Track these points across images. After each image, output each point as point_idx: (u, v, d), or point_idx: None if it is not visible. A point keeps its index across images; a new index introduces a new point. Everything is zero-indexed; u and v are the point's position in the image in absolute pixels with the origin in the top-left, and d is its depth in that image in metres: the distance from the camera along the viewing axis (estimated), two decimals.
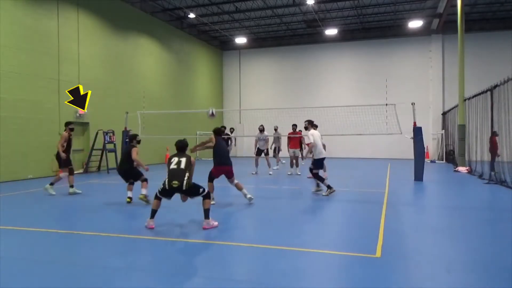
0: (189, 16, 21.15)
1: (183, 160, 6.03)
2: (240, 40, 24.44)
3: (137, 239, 5.51)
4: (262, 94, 27.03)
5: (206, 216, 6.04)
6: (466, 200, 9.26)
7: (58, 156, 9.57)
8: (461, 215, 7.34)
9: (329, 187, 9.17)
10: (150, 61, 20.25)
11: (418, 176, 12.11)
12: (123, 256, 4.79)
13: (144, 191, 8.18)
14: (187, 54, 23.71)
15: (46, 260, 4.61)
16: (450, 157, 19.96)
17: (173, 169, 5.94)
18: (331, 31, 22.80)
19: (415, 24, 21.25)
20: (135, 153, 8.27)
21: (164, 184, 5.93)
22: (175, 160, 6.06)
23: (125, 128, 14.86)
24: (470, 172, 14.40)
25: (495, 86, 11.55)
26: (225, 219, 7.21)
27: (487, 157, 13.02)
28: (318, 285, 3.87)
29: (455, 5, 16.99)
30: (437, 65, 23.62)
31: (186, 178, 5.89)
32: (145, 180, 8.36)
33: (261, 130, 14.54)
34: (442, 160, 21.61)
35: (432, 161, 21.35)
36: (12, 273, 4.15)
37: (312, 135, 9.11)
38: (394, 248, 4.99)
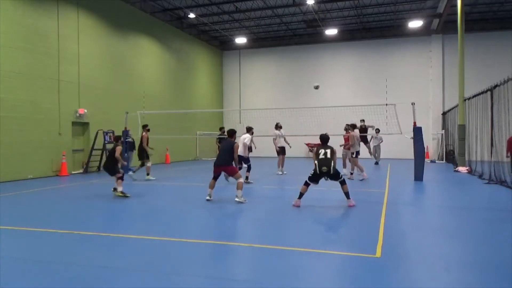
0: (189, 16, 21.13)
1: (328, 151, 7.68)
2: (240, 40, 24.42)
3: (137, 239, 5.50)
4: (262, 94, 27.00)
5: (347, 196, 7.76)
6: (466, 200, 9.25)
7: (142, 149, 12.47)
8: (461, 215, 7.34)
9: None
10: (150, 61, 20.24)
11: (418, 176, 12.10)
12: (123, 256, 4.78)
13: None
14: (187, 54, 23.69)
15: (46, 260, 4.61)
16: (450, 157, 19.94)
17: (322, 159, 7.62)
18: (331, 31, 22.78)
19: (415, 24, 21.23)
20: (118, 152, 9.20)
21: (314, 170, 7.62)
22: (322, 151, 7.69)
23: (125, 128, 14.86)
24: (470, 172, 14.39)
25: (495, 86, 11.54)
26: (225, 219, 7.21)
27: (487, 157, 12.99)
28: (318, 285, 3.87)
29: (455, 5, 16.97)
30: (437, 65, 23.60)
31: (332, 164, 7.57)
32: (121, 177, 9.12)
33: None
34: (442, 160, 21.59)
35: (432, 161, 21.33)
36: (12, 273, 4.15)
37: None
38: (394, 248, 4.99)
